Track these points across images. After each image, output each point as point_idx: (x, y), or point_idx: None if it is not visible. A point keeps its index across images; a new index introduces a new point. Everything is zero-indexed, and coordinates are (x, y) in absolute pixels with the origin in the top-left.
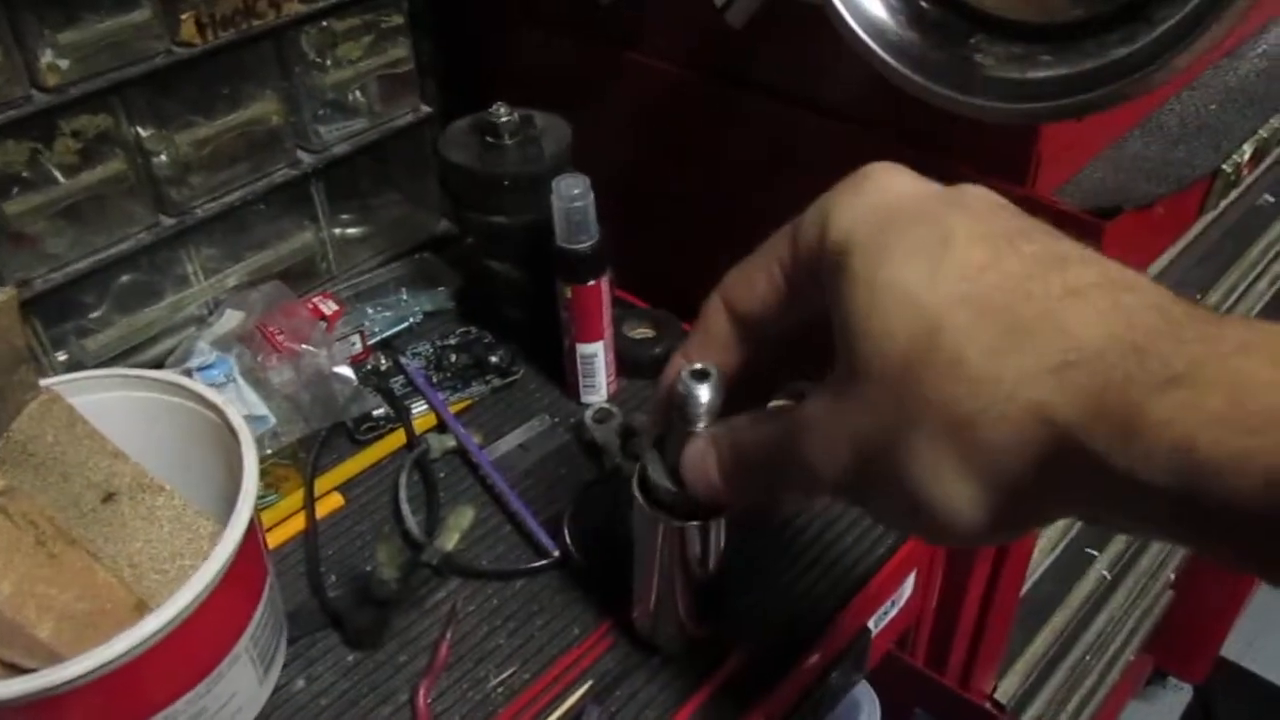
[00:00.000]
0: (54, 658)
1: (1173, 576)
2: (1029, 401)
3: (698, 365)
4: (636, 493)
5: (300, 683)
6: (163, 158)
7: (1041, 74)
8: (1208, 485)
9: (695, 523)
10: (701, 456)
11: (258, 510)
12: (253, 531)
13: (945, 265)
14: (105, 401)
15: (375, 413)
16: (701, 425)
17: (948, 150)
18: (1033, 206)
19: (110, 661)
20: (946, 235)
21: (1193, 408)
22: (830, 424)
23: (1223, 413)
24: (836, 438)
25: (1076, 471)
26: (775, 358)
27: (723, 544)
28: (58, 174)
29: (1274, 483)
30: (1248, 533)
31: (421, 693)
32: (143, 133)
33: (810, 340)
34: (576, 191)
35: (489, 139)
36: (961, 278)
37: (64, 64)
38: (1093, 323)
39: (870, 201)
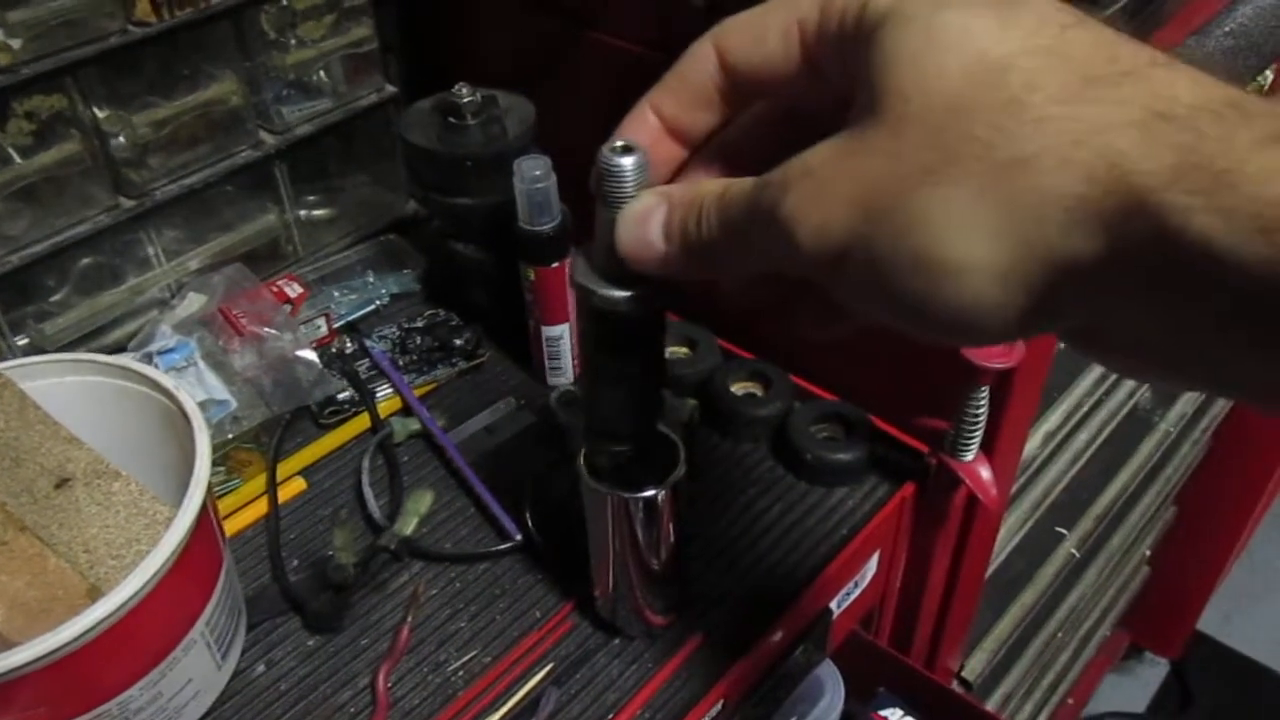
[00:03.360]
0: (5, 645)
1: (1148, 552)
2: (1103, 147)
3: (620, 141)
4: (582, 468)
5: (260, 667)
6: (120, 139)
7: None
8: None
9: (641, 494)
10: (645, 213)
11: (218, 496)
12: (206, 516)
13: (1020, 18)
14: (57, 387)
15: (340, 396)
16: None
17: None
18: None
19: (59, 648)
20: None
21: None
22: (834, 170)
23: None
24: (839, 185)
25: (1136, 242)
26: (746, 135)
27: (675, 515)
28: (13, 154)
29: None
30: None
31: (382, 676)
32: (99, 113)
33: (789, 129)
34: (538, 173)
35: (451, 120)
36: (1037, 30)
37: (15, 43)
38: (1188, 85)
39: None
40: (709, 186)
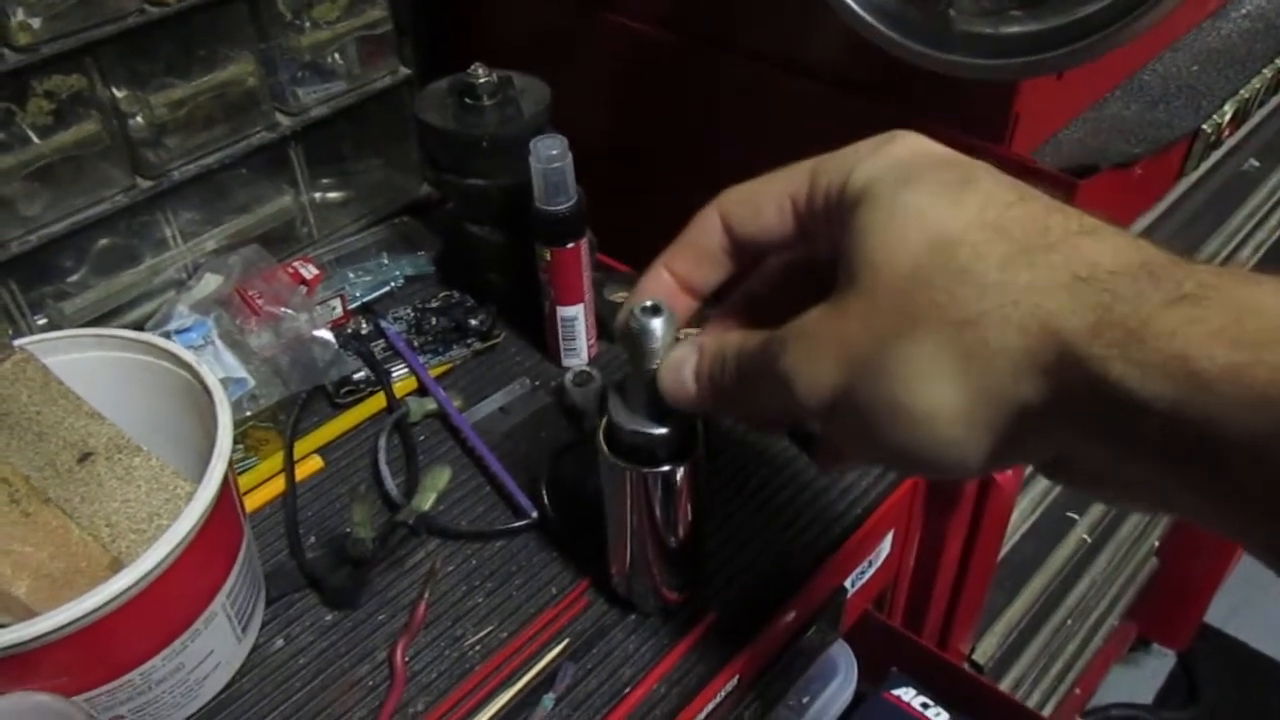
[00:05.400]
0: (30, 615)
1: (1157, 544)
2: (1036, 308)
3: (649, 301)
4: (602, 444)
5: (279, 642)
6: (138, 119)
7: (1014, 29)
8: (1200, 399)
9: (660, 469)
10: (682, 360)
11: (237, 473)
12: (227, 491)
13: (969, 198)
14: (80, 362)
15: (355, 376)
16: (657, 362)
17: (925, 110)
18: (1009, 166)
19: (82, 617)
20: (972, 178)
21: (1196, 322)
22: (822, 332)
23: (1223, 328)
24: (826, 345)
25: (1071, 387)
26: (765, 283)
27: (693, 492)
28: (32, 134)
29: (1261, 401)
30: (1231, 459)
31: (399, 651)
32: (117, 94)
33: (797, 280)
34: (554, 152)
35: (467, 100)
36: (984, 208)
37: (35, 23)
38: (1108, 252)
39: (896, 154)
40: (731, 339)
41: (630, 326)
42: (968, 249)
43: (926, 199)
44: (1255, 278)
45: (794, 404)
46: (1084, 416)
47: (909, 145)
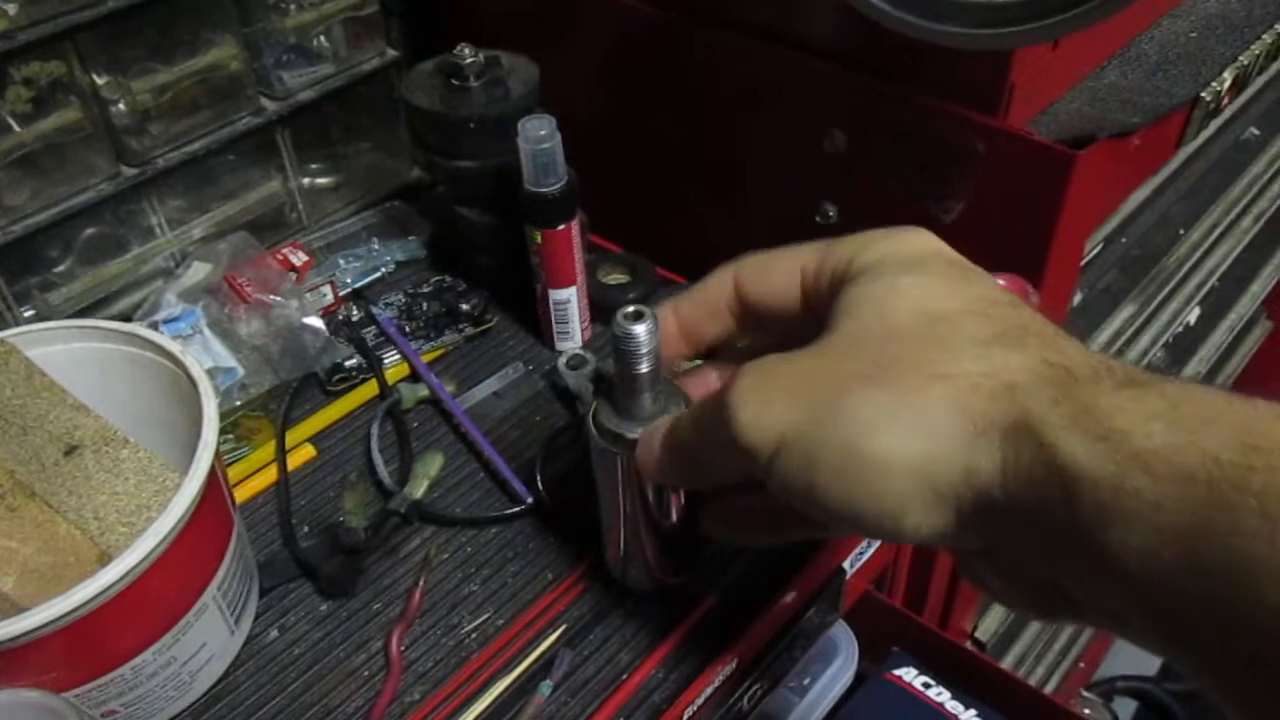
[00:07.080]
0: (17, 610)
1: None
2: (1007, 380)
3: (632, 307)
4: (592, 427)
5: (273, 633)
6: (120, 106)
7: None
8: (1131, 476)
9: None
10: (651, 433)
11: (228, 464)
12: (215, 481)
13: (965, 290)
14: (63, 354)
15: (347, 363)
16: (644, 367)
17: (919, 82)
18: (1005, 138)
19: (70, 612)
20: (970, 278)
21: (1139, 402)
22: (779, 366)
23: (1163, 410)
24: (780, 379)
25: (1024, 456)
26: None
27: None
28: (12, 122)
29: (1186, 480)
30: (1163, 543)
31: (395, 640)
32: (98, 80)
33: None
34: (543, 132)
35: (454, 81)
36: (975, 300)
37: (11, 8)
38: (1074, 349)
39: (905, 245)
40: (688, 413)
41: (613, 332)
42: (950, 325)
43: (924, 281)
44: (1198, 383)
45: (733, 441)
46: (1029, 493)
47: (921, 240)
